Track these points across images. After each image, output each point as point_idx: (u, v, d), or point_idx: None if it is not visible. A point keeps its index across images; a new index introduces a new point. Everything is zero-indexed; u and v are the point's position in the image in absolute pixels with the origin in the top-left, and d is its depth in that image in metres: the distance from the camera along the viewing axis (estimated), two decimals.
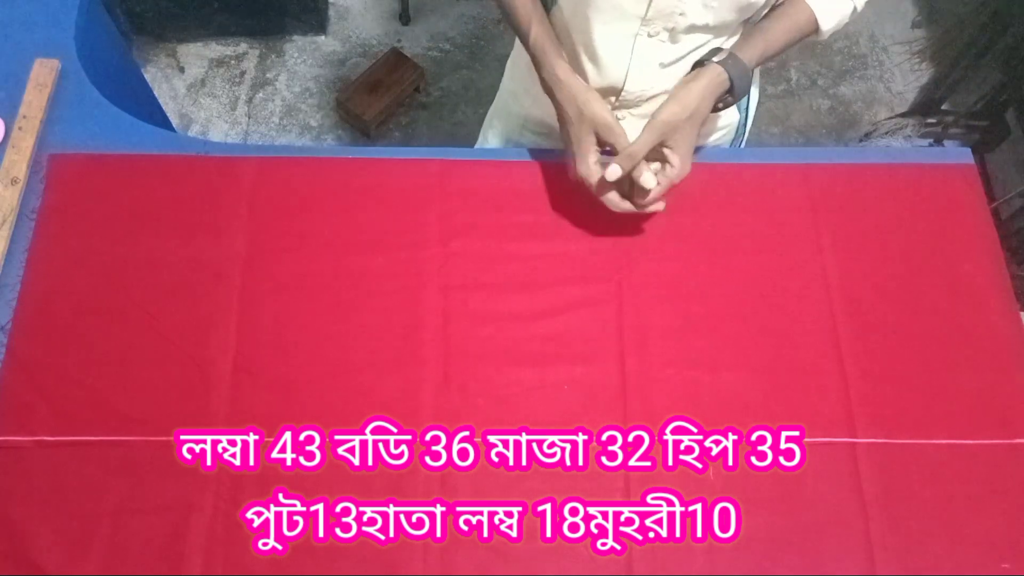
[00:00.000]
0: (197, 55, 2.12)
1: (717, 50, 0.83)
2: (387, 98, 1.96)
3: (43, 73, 0.98)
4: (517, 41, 1.05)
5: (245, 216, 0.91)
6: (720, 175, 0.95)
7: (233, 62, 2.11)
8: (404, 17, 2.14)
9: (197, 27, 2.08)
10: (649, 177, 0.80)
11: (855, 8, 0.86)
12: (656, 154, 0.82)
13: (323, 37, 2.12)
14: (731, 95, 0.83)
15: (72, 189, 0.92)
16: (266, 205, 0.91)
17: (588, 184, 0.84)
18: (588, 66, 0.90)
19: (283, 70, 2.10)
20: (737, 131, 1.06)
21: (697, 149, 1.01)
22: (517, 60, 1.07)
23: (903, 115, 2.06)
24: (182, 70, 2.10)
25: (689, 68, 0.84)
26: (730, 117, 1.03)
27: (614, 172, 0.80)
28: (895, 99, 2.13)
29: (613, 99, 0.93)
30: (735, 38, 0.87)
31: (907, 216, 0.93)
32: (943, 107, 2.04)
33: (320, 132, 2.03)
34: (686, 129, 0.80)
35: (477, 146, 1.19)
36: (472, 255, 0.89)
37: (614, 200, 0.85)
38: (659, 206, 0.85)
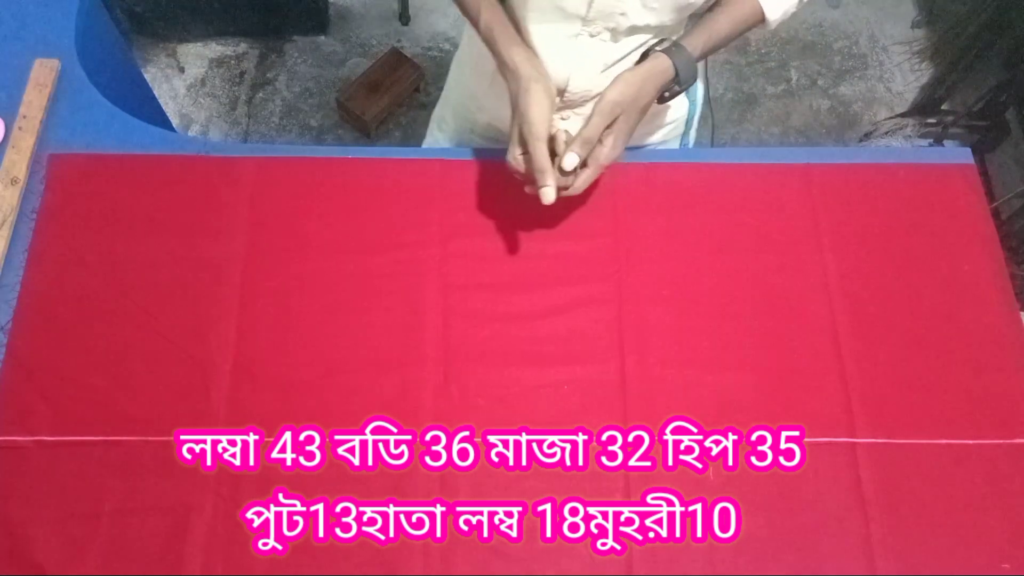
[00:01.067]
0: (197, 55, 2.12)
1: (663, 40, 0.83)
2: (387, 98, 1.96)
3: (43, 73, 0.98)
4: (462, 42, 1.05)
5: (245, 216, 0.91)
6: (720, 175, 0.95)
7: (233, 62, 2.11)
8: (404, 17, 2.14)
9: (197, 27, 2.08)
10: (572, 157, 0.78)
11: None
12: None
13: (323, 37, 2.12)
14: (677, 84, 0.83)
15: (72, 189, 0.92)
16: (266, 205, 0.91)
17: (513, 170, 0.82)
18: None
19: (283, 70, 2.10)
20: (687, 124, 1.05)
21: (644, 146, 1.02)
22: (462, 63, 1.06)
23: (903, 115, 2.06)
24: (182, 70, 2.10)
25: (633, 65, 0.84)
26: (678, 111, 1.03)
27: (571, 160, 0.78)
28: (895, 99, 2.13)
29: (557, 100, 0.92)
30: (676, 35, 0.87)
31: (907, 216, 0.93)
32: (943, 107, 2.04)
33: (320, 132, 2.03)
34: (631, 112, 0.80)
35: (425, 145, 1.18)
36: (472, 255, 0.89)
37: (547, 192, 0.80)
38: (577, 186, 0.82)
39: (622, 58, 0.87)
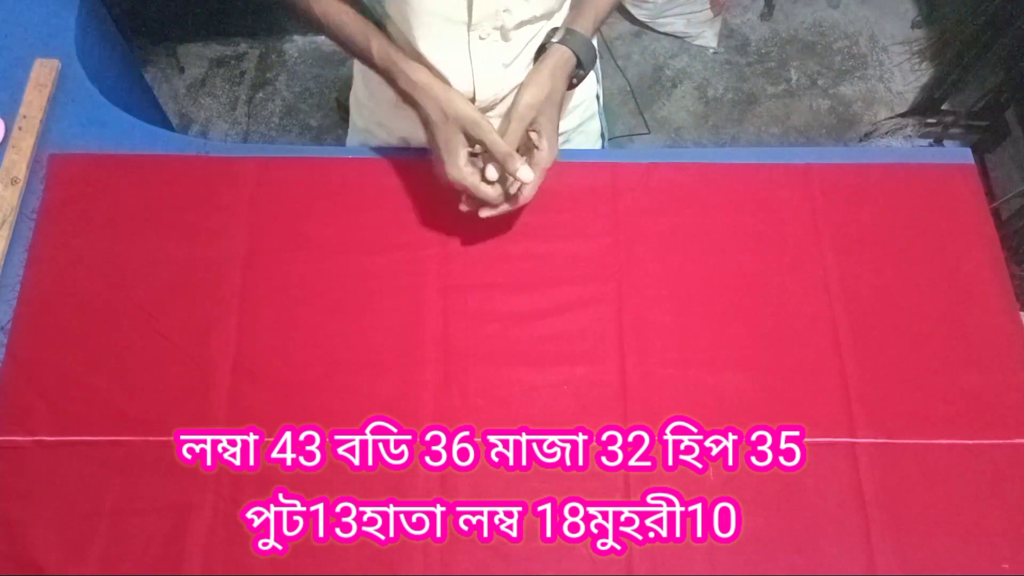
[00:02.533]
0: (197, 55, 2.12)
1: (553, 31, 0.84)
2: None
3: (43, 73, 0.98)
4: (355, 80, 1.03)
5: (245, 216, 0.91)
6: (720, 175, 0.95)
7: (233, 62, 2.11)
8: None
9: (197, 27, 2.08)
10: (526, 170, 0.78)
11: None
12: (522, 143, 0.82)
13: (323, 37, 2.12)
14: (581, 68, 0.84)
15: (72, 189, 0.92)
16: (266, 205, 0.91)
17: (461, 187, 0.80)
18: None
19: (283, 70, 2.10)
20: (597, 99, 1.07)
21: (563, 133, 1.02)
22: (360, 100, 1.04)
23: (903, 115, 2.06)
24: (182, 70, 2.10)
25: (532, 58, 0.85)
26: (587, 90, 1.03)
27: (493, 172, 0.79)
28: (895, 99, 2.13)
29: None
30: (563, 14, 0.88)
31: (907, 216, 0.93)
32: (943, 107, 2.04)
33: (320, 132, 2.03)
34: (548, 111, 0.80)
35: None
36: (472, 255, 0.89)
37: (492, 199, 0.81)
38: (526, 194, 0.82)
39: (519, 53, 0.87)
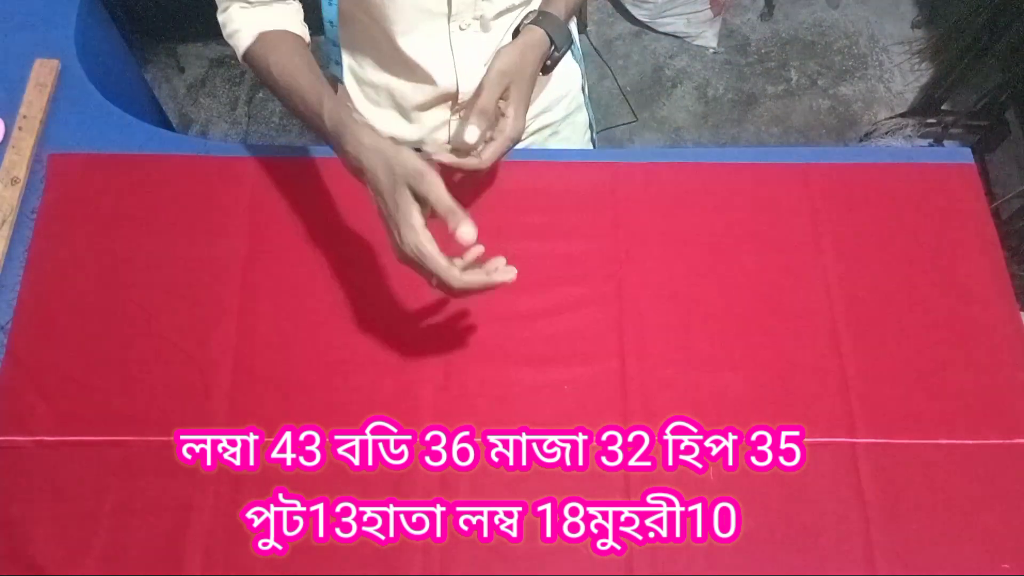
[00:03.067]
0: (197, 55, 2.12)
1: (529, 14, 0.84)
2: None
3: (43, 73, 0.98)
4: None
5: (245, 216, 0.91)
6: (720, 175, 0.95)
7: (233, 62, 2.11)
8: None
9: (197, 27, 2.08)
10: (468, 229, 0.67)
11: None
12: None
13: (323, 37, 2.12)
14: (556, 50, 0.83)
15: (72, 189, 0.92)
16: (266, 205, 0.91)
17: (421, 256, 0.67)
18: (419, 78, 0.89)
19: None
20: (583, 91, 1.07)
21: (549, 126, 1.02)
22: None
23: (903, 115, 2.06)
24: (182, 70, 2.10)
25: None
26: (570, 83, 1.03)
27: (472, 133, 0.76)
28: (895, 99, 2.13)
29: (452, 104, 0.92)
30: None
31: (907, 216, 0.93)
32: (943, 107, 2.04)
33: None
34: (519, 81, 0.80)
35: None
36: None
37: (457, 276, 0.68)
38: (486, 157, 0.77)
39: (499, 44, 0.87)
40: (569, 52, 0.96)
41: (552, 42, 0.82)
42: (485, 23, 0.84)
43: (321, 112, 0.75)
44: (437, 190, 0.67)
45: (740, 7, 2.24)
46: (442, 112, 0.94)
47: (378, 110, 0.97)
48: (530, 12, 0.84)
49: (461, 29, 0.83)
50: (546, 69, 0.85)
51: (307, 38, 0.85)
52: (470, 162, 0.78)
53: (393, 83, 0.92)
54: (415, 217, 0.67)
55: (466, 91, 0.89)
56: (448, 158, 0.78)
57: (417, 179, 0.67)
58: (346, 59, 0.96)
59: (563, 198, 0.92)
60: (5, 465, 0.78)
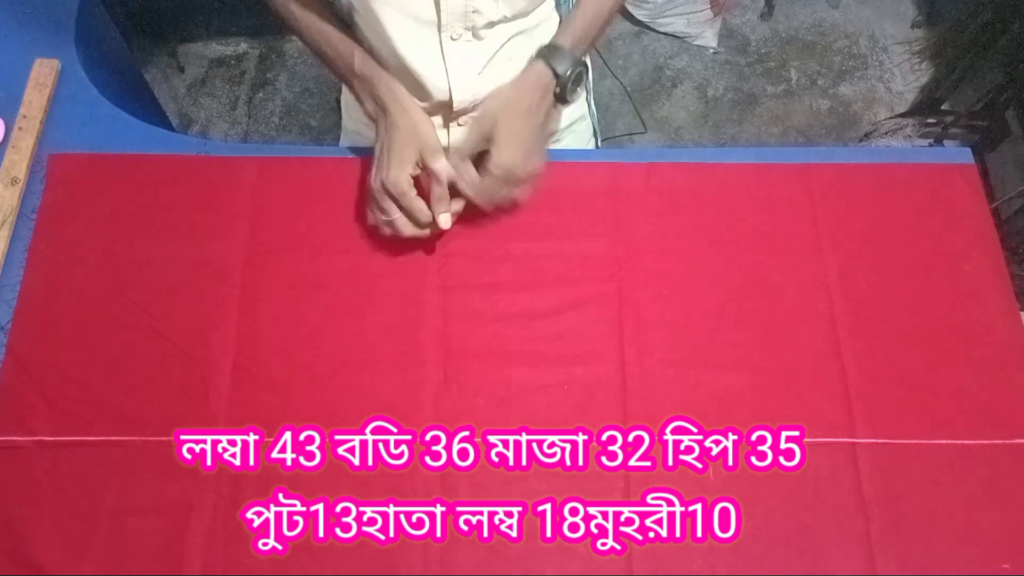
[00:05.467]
0: (197, 55, 2.12)
1: (541, 48, 0.84)
2: None
3: (43, 73, 0.98)
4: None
5: (245, 216, 0.91)
6: (720, 175, 0.95)
7: (233, 62, 2.11)
8: None
9: (197, 27, 2.08)
10: (446, 218, 0.81)
11: None
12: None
13: None
14: (560, 78, 0.82)
15: (72, 189, 0.92)
16: (266, 205, 0.91)
17: (395, 192, 0.79)
18: (414, 84, 0.88)
19: (283, 70, 2.10)
20: (587, 100, 1.06)
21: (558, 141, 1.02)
22: (348, 101, 1.04)
23: (903, 115, 2.06)
24: (182, 70, 2.10)
25: (509, 61, 0.87)
26: (575, 111, 1.02)
27: (442, 165, 0.80)
28: (895, 99, 2.13)
29: (447, 113, 0.92)
30: (544, 23, 0.88)
31: (907, 216, 0.93)
32: (943, 107, 2.04)
33: (320, 132, 2.03)
34: (510, 118, 0.80)
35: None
36: (472, 255, 0.89)
37: (418, 215, 0.80)
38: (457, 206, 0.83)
39: (493, 56, 0.87)
40: None
41: (555, 74, 0.82)
42: (476, 33, 0.83)
43: (351, 56, 0.83)
44: (441, 164, 0.79)
45: (740, 7, 2.24)
46: (437, 119, 0.94)
47: None
48: (542, 46, 0.84)
49: (452, 39, 0.83)
50: (561, 100, 0.84)
51: None
52: (462, 188, 0.82)
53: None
54: (408, 167, 0.79)
55: (460, 98, 0.89)
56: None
57: (430, 154, 0.80)
58: None
59: (563, 198, 0.92)
60: (5, 465, 0.78)
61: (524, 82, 0.82)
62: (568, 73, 0.82)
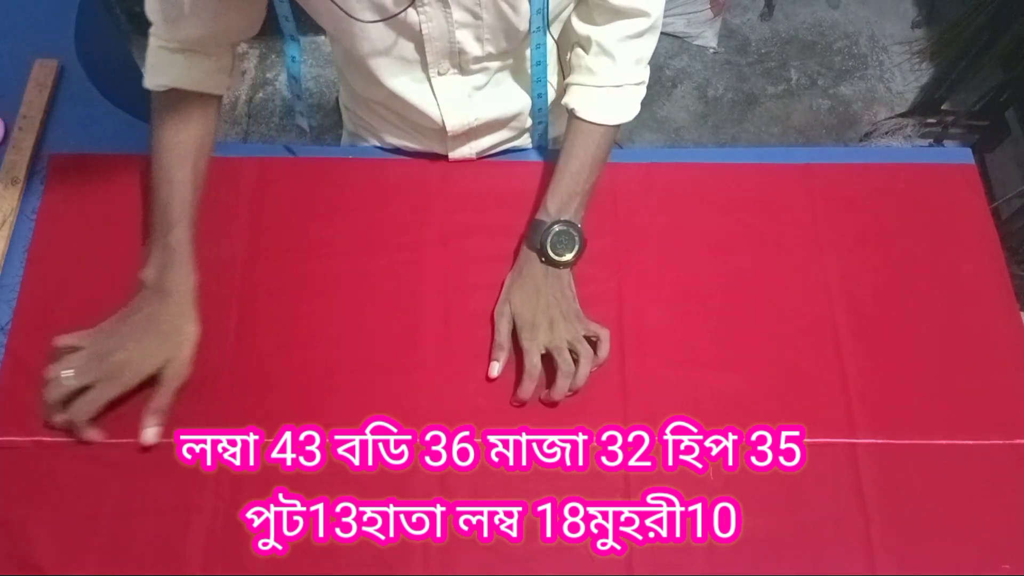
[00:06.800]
0: None
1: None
2: None
3: (43, 73, 0.98)
4: (341, 83, 1.00)
5: (245, 217, 0.91)
6: (720, 175, 0.95)
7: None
8: None
9: None
10: (495, 366, 0.82)
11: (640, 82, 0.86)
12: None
13: (323, 37, 2.12)
14: (545, 250, 0.83)
15: (72, 189, 0.92)
16: (266, 206, 0.91)
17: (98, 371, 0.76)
18: (407, 114, 0.89)
19: (283, 70, 2.10)
20: (534, 116, 0.95)
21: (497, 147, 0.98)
22: (346, 104, 1.02)
23: (903, 115, 2.06)
24: None
25: (512, 101, 0.89)
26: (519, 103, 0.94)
27: (494, 368, 0.81)
28: (895, 99, 2.13)
29: (441, 138, 0.92)
30: (546, 60, 0.85)
31: (907, 216, 0.93)
32: (943, 107, 2.04)
33: (320, 132, 2.03)
34: (520, 313, 0.82)
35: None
36: (472, 255, 0.89)
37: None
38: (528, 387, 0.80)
39: (483, 85, 0.87)
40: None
41: (542, 247, 0.83)
42: (463, 68, 0.83)
43: (177, 222, 0.79)
44: (168, 387, 0.77)
45: (740, 7, 2.24)
46: (439, 143, 0.94)
47: (378, 120, 0.97)
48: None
49: (440, 74, 0.83)
50: (553, 264, 0.83)
51: (223, 91, 0.86)
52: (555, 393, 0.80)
53: (387, 115, 0.93)
54: (132, 372, 0.76)
55: (453, 125, 0.88)
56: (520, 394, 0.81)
57: (173, 373, 0.77)
58: (345, 78, 0.97)
59: None
60: (5, 465, 0.77)
61: (518, 269, 0.85)
62: (540, 243, 0.83)
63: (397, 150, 0.98)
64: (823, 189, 0.94)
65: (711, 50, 2.17)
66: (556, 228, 0.83)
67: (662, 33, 2.31)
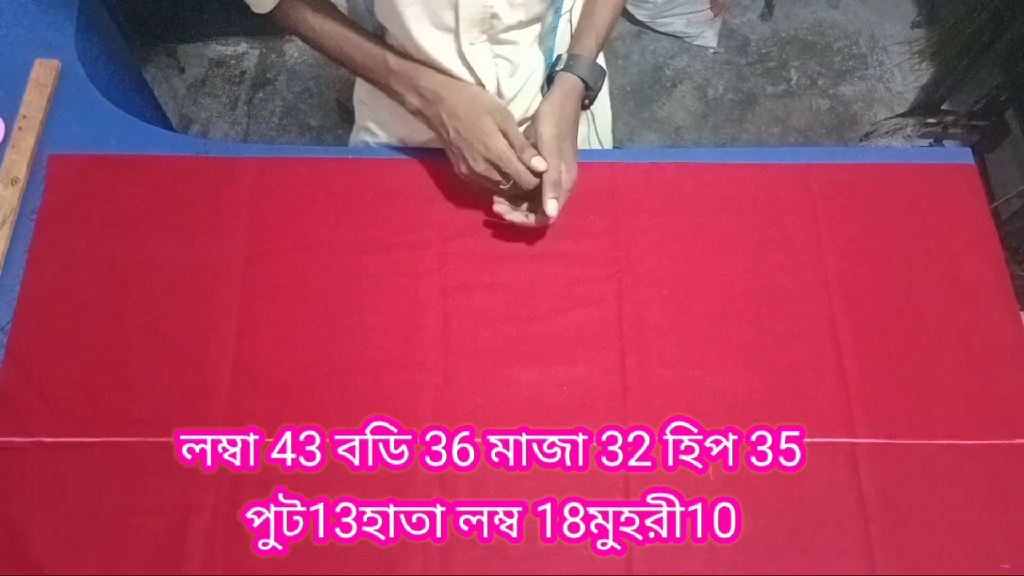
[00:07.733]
0: (197, 55, 2.12)
1: (558, 59, 0.88)
2: None
3: (43, 73, 0.98)
4: (358, 79, 1.01)
5: (245, 216, 0.91)
6: (720, 175, 0.95)
7: (233, 62, 2.11)
8: None
9: (197, 27, 2.08)
10: (540, 160, 0.82)
11: None
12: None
13: None
14: (589, 89, 0.87)
15: (72, 189, 0.92)
16: (266, 205, 0.91)
17: (504, 158, 0.81)
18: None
19: (283, 70, 2.10)
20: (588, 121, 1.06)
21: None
22: (361, 98, 1.03)
23: (903, 115, 2.06)
24: (182, 70, 2.10)
25: (530, 70, 0.90)
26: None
27: (552, 207, 0.82)
28: (895, 99, 2.13)
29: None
30: (559, 27, 0.90)
31: (907, 216, 0.93)
32: (943, 107, 2.04)
33: (320, 132, 2.03)
34: (569, 136, 0.85)
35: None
36: (472, 255, 0.89)
37: (524, 179, 0.82)
38: (550, 212, 0.84)
39: (515, 60, 0.88)
40: None
41: (586, 85, 0.86)
42: (493, 37, 0.84)
43: (384, 57, 0.84)
44: (515, 128, 0.82)
45: (740, 7, 2.24)
46: None
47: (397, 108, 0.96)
48: (559, 56, 0.88)
49: (472, 44, 0.83)
50: (585, 107, 0.88)
51: None
52: (540, 220, 0.85)
53: None
54: (499, 133, 0.81)
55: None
56: (518, 218, 0.85)
57: (501, 115, 0.82)
58: None
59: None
60: (5, 465, 0.77)
61: (565, 97, 0.85)
62: (598, 84, 0.87)
63: (402, 147, 0.97)
64: (823, 189, 0.94)
65: (711, 50, 2.17)
66: (603, 76, 0.88)
67: (662, 33, 2.31)
